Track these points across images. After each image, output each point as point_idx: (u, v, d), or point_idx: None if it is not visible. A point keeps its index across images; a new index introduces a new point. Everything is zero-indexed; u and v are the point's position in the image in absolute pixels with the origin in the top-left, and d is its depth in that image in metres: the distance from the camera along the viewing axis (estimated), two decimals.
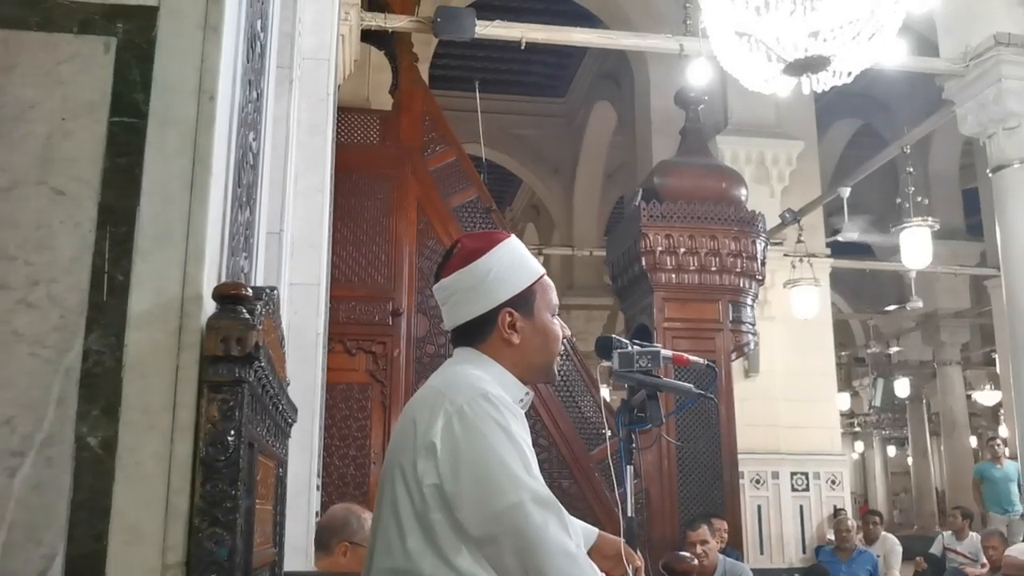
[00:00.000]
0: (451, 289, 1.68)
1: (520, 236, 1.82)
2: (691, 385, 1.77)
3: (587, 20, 10.90)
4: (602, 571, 1.81)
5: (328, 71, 4.26)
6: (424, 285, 6.03)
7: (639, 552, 1.77)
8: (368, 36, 6.35)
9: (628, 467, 1.77)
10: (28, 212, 1.35)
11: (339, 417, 5.71)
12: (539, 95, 15.33)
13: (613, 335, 1.80)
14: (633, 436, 1.77)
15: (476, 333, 1.67)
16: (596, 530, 1.84)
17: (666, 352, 1.74)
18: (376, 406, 5.85)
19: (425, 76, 7.69)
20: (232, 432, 1.26)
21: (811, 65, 4.19)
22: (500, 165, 15.38)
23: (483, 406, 1.48)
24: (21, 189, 1.35)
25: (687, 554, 3.31)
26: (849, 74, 4.37)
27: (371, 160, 6.20)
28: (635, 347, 1.75)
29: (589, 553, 1.79)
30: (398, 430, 1.61)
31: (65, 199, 1.35)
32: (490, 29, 6.26)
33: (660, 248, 6.48)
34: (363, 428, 5.79)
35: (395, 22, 6.15)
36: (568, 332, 1.73)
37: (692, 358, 1.77)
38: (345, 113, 6.09)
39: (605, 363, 1.82)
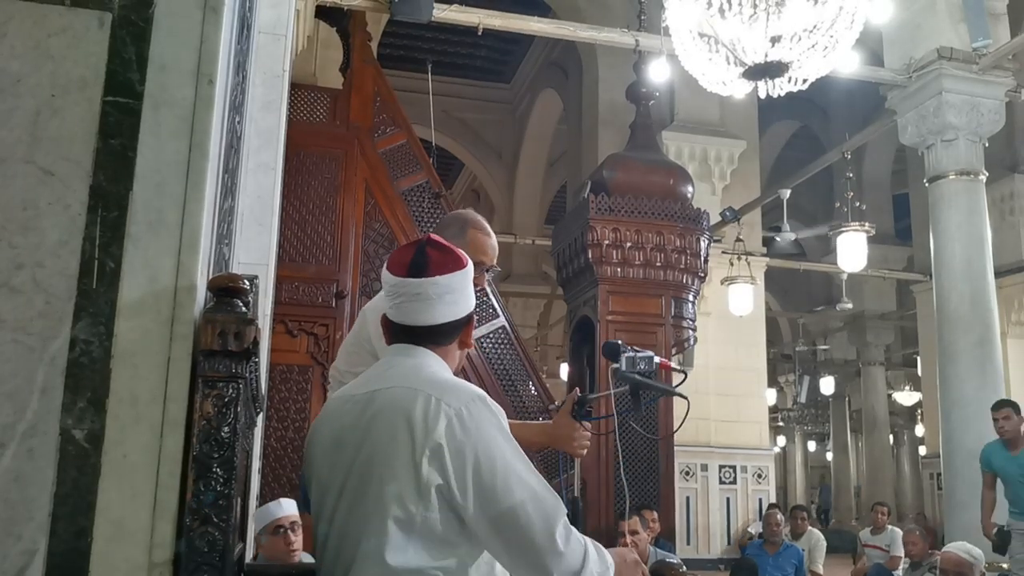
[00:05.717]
0: (447, 287, 1.63)
1: None
2: (670, 385, 1.90)
3: (537, 8, 10.87)
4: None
5: (284, 47, 4.18)
6: (369, 268, 5.96)
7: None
8: (320, 12, 6.23)
9: None
10: (13, 191, 1.28)
11: (278, 399, 5.63)
12: (484, 80, 15.27)
13: (619, 341, 1.90)
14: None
15: (445, 335, 1.65)
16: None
17: (656, 358, 1.86)
18: (316, 388, 5.77)
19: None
20: (227, 429, 1.23)
21: (770, 70, 4.25)
22: (442, 147, 15.28)
23: (481, 408, 1.51)
24: (7, 167, 1.29)
25: (675, 560, 3.38)
26: (804, 81, 4.44)
27: (319, 138, 6.09)
28: (636, 352, 1.87)
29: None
30: (379, 432, 1.51)
31: (54, 180, 1.29)
32: (448, 13, 6.20)
33: (607, 241, 6.52)
34: (302, 410, 5.71)
35: (351, 0, 6.04)
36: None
37: (673, 365, 1.88)
38: (293, 89, 5.96)
39: (613, 364, 1.96)
